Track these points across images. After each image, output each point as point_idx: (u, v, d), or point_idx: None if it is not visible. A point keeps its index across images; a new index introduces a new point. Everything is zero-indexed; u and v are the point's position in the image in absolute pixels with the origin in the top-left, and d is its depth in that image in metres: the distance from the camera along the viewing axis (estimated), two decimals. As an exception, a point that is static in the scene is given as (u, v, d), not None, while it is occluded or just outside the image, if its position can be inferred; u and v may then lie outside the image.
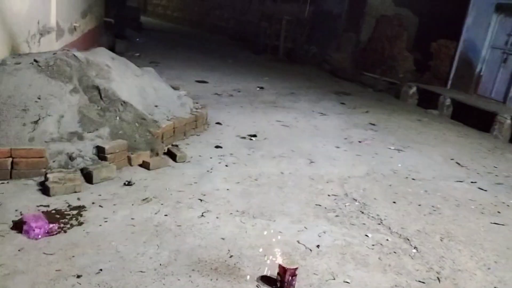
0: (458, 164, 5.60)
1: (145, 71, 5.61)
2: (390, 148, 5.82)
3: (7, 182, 3.43)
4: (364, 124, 7.03)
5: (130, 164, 4.15)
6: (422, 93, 9.84)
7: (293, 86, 9.77)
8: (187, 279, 2.50)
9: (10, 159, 3.52)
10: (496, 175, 5.34)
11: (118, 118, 4.45)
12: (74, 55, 4.63)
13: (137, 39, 14.18)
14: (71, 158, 3.81)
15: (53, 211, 3.10)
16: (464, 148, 6.49)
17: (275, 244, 3.02)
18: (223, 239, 3.00)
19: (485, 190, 4.70)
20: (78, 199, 3.34)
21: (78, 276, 2.42)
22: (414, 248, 3.22)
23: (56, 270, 2.44)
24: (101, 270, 2.49)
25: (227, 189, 3.83)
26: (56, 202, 3.23)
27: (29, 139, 3.72)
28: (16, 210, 3.05)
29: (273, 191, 3.92)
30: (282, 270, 2.48)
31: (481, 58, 9.38)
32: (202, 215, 3.30)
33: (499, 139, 7.44)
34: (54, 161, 3.74)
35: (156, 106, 5.20)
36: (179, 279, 2.49)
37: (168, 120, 5.05)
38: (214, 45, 16.24)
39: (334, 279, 2.70)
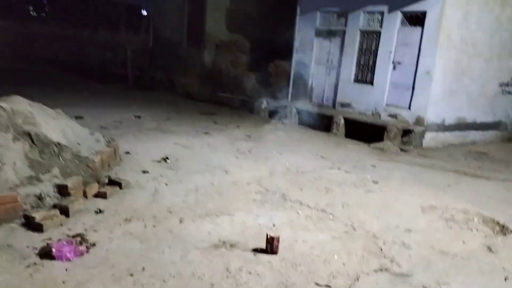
0: (323, 157, 7.40)
1: (57, 112, 5.95)
2: (273, 153, 7.31)
3: (-8, 229, 3.72)
4: (243, 137, 8.44)
5: (86, 197, 4.66)
6: (271, 106, 11.77)
7: (163, 111, 10.66)
8: (207, 251, 3.41)
9: (-11, 208, 3.80)
10: (350, 161, 7.28)
11: (61, 158, 4.88)
12: (0, 106, 4.87)
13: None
14: (40, 198, 4.20)
15: (59, 241, 3.58)
16: (320, 145, 8.41)
17: (246, 228, 4.10)
18: (209, 233, 3.95)
19: (349, 172, 6.52)
20: (69, 229, 3.84)
21: (131, 275, 3.13)
22: (330, 214, 4.66)
23: (111, 275, 3.10)
24: (144, 268, 3.23)
25: (183, 201, 4.72)
26: (54, 235, 3.69)
27: (-4, 188, 4.00)
28: (27, 247, 3.46)
29: (217, 196, 4.95)
30: (271, 239, 3.60)
31: (311, 73, 11.74)
32: (181, 221, 4.16)
33: (338, 136, 9.69)
34: (26, 204, 4.09)
35: (78, 143, 5.65)
36: (211, 261, 3.39)
37: (94, 155, 5.57)
38: (53, 78, 15.70)
39: (297, 241, 3.92)
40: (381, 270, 3.51)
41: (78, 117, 9.08)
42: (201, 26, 15.63)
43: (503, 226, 4.69)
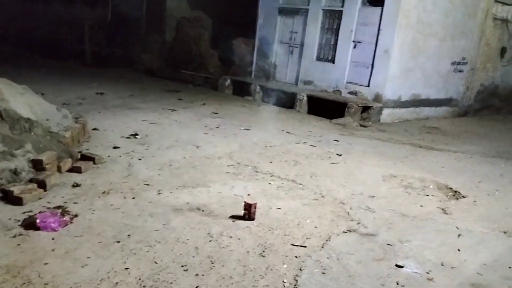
0: (288, 133, 7.68)
1: (24, 88, 5.84)
2: (241, 129, 7.50)
3: (-31, 204, 3.72)
4: (209, 114, 8.56)
5: (61, 172, 4.68)
6: (235, 84, 11.90)
7: (126, 89, 10.55)
8: (188, 219, 3.60)
9: (-34, 183, 3.78)
10: (314, 136, 7.60)
11: (33, 134, 4.86)
12: (-34, 81, 4.75)
13: None
14: (15, 173, 4.20)
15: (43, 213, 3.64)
16: (284, 122, 8.68)
17: (223, 198, 4.30)
18: (188, 203, 4.12)
19: (314, 146, 6.83)
20: (49, 202, 3.90)
21: (118, 242, 3.27)
22: (300, 184, 4.94)
23: (98, 242, 3.23)
24: (129, 235, 3.38)
25: (158, 174, 4.84)
26: (35, 208, 3.74)
27: (-28, 162, 3.97)
28: (9, 219, 3.50)
29: (191, 170, 5.10)
30: (248, 205, 3.82)
31: (274, 51, 11.91)
32: (159, 193, 4.30)
33: (301, 112, 9.99)
34: (1, 179, 4.09)
35: (47, 119, 5.60)
36: (193, 228, 3.57)
37: (64, 130, 5.55)
38: (4, 55, 14.97)
39: (271, 208, 4.17)
40: (349, 231, 3.83)
41: (39, 93, 8.86)
42: (161, 0, 15.36)
43: (456, 192, 5.15)
